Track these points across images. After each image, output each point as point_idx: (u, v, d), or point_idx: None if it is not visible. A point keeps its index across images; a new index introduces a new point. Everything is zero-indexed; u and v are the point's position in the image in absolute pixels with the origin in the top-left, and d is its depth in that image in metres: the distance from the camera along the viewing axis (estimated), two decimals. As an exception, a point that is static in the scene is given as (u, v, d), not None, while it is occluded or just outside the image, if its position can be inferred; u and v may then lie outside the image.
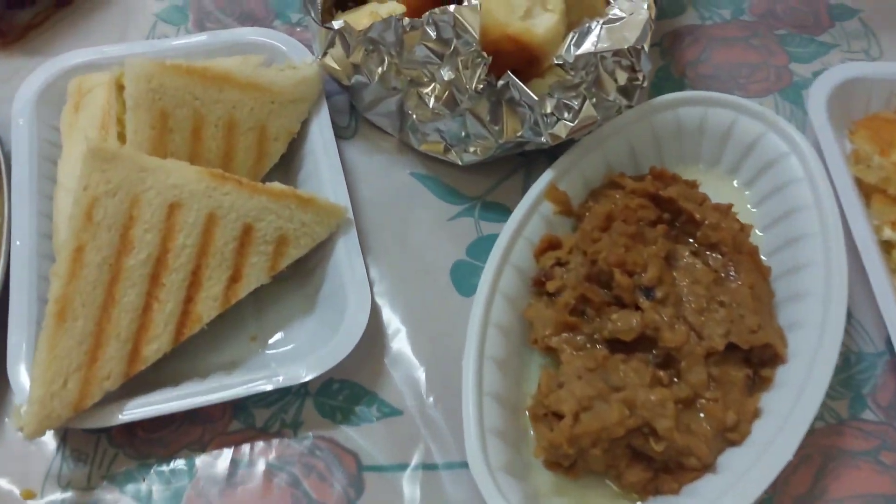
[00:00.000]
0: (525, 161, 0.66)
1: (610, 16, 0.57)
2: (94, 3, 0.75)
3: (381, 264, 0.61)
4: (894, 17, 0.76)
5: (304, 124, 0.64)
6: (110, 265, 0.51)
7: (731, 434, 0.51)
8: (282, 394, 0.55)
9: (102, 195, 0.52)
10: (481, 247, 0.62)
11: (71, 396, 0.49)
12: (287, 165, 0.64)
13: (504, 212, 0.64)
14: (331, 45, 0.63)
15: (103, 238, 0.51)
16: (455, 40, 0.57)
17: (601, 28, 0.57)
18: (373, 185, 0.65)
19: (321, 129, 0.63)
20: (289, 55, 0.67)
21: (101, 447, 0.53)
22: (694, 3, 0.77)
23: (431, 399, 0.55)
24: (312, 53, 0.67)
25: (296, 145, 0.64)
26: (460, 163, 0.63)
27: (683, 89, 0.71)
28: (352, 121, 0.69)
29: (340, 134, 0.67)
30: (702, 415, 0.51)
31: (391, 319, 0.59)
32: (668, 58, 0.73)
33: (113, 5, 0.75)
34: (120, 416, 0.50)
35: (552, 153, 0.63)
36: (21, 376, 0.51)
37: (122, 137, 0.58)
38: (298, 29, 0.74)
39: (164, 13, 0.75)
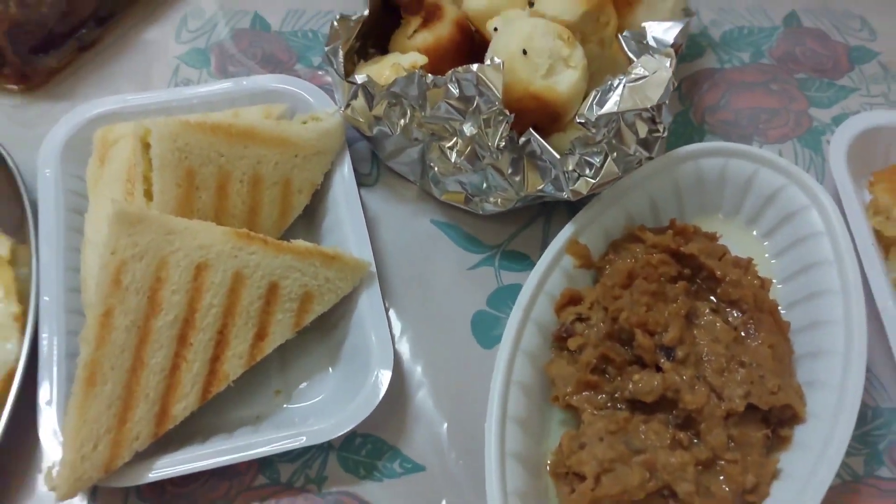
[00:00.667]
0: (545, 209, 0.67)
1: (633, 74, 0.58)
2: (116, 47, 0.76)
3: (403, 313, 0.62)
4: (914, 59, 0.76)
5: (327, 175, 0.65)
6: (138, 328, 0.52)
7: (750, 496, 0.52)
8: (306, 449, 0.56)
9: (130, 259, 0.53)
10: (502, 297, 0.63)
11: (101, 458, 0.50)
12: (311, 216, 0.65)
13: (524, 260, 0.64)
14: (353, 97, 0.63)
15: (131, 302, 0.52)
16: (478, 98, 0.58)
17: (624, 87, 0.57)
18: (394, 232, 0.66)
19: (344, 181, 0.64)
20: (311, 104, 0.68)
21: (129, 502, 0.54)
22: (713, 46, 0.77)
23: (453, 455, 0.56)
24: (334, 100, 0.68)
25: (319, 196, 0.65)
26: (480, 212, 0.64)
27: (703, 135, 0.71)
28: (373, 168, 0.69)
29: (362, 181, 0.68)
30: (721, 477, 0.52)
31: (413, 371, 0.60)
32: (686, 103, 0.73)
33: (135, 49, 0.76)
34: (149, 475, 0.51)
35: (570, 204, 0.63)
36: (51, 435, 0.52)
37: (148, 194, 0.58)
38: (320, 73, 0.74)
39: (186, 56, 0.76)
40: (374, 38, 0.70)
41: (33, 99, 0.73)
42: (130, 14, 0.78)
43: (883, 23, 0.78)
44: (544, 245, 0.64)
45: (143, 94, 0.68)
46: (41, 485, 0.55)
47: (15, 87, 0.73)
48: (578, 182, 0.59)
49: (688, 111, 0.73)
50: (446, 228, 0.66)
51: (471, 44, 0.68)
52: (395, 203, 0.68)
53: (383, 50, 0.70)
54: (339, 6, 0.78)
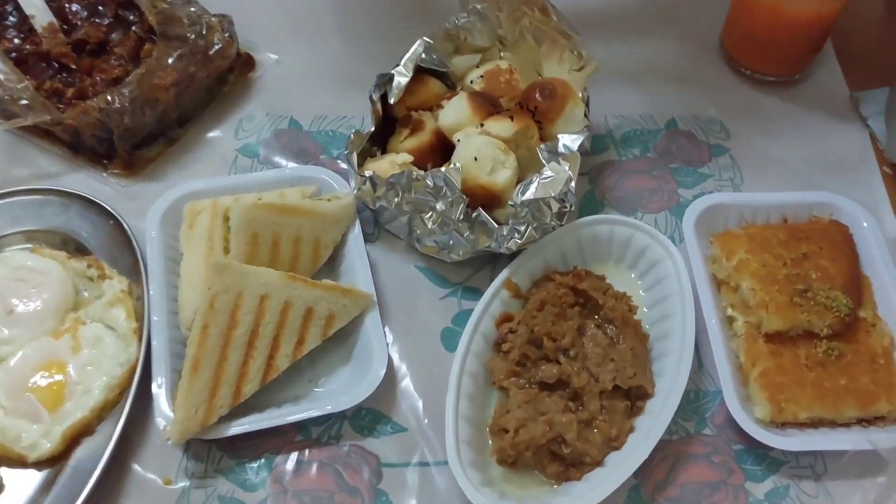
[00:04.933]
0: (492, 258, 0.95)
1: (545, 174, 0.88)
2: (192, 143, 1.03)
3: (395, 329, 0.90)
4: (755, 155, 1.05)
5: (344, 235, 0.93)
6: (223, 336, 0.81)
7: (614, 443, 0.80)
8: (329, 417, 0.84)
9: (220, 292, 0.81)
10: (461, 317, 0.91)
11: (199, 419, 0.78)
12: (332, 262, 0.92)
13: (477, 293, 0.92)
14: (363, 184, 0.93)
15: (220, 319, 0.81)
16: (445, 187, 0.88)
17: (538, 183, 0.88)
18: (389, 273, 0.93)
19: (355, 238, 0.93)
20: (333, 186, 0.97)
21: (212, 451, 0.82)
22: (614, 144, 1.07)
23: (426, 420, 0.84)
24: (349, 185, 0.98)
25: (338, 249, 0.93)
26: (448, 260, 0.93)
27: (604, 207, 1.01)
28: (375, 230, 0.98)
29: (367, 239, 0.95)
30: (595, 430, 0.80)
31: (400, 367, 0.88)
32: (593, 184, 1.03)
33: (205, 144, 1.03)
34: (227, 432, 0.78)
35: (510, 255, 0.93)
36: (163, 406, 0.79)
37: (226, 250, 0.86)
38: (338, 161, 1.03)
39: (242, 149, 1.04)
40: (376, 139, 1.00)
41: (135, 181, 0.99)
42: (202, 117, 1.05)
43: (735, 127, 1.08)
44: (491, 282, 0.94)
45: (218, 179, 0.98)
46: (155, 440, 0.82)
47: (122, 172, 1.00)
48: (510, 241, 0.89)
49: (594, 190, 1.02)
50: (425, 271, 0.95)
51: (443, 146, 0.98)
52: (389, 253, 0.96)
53: (382, 148, 1.01)
54: (351, 112, 1.06)
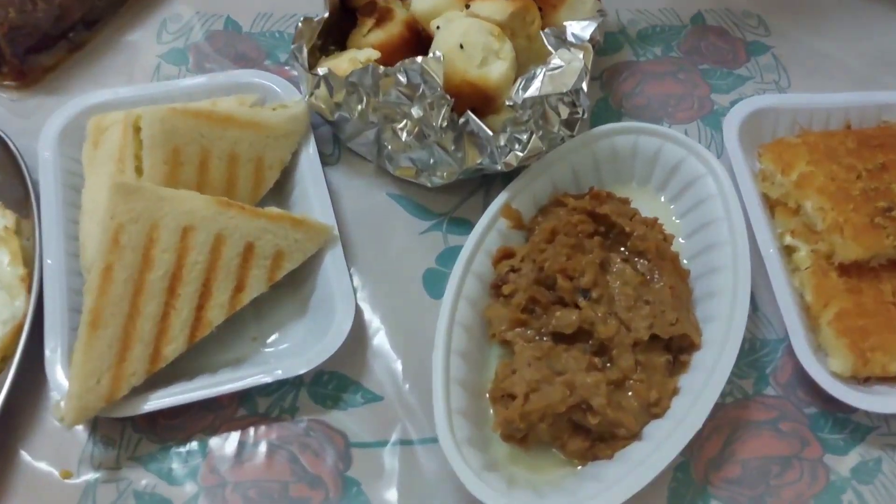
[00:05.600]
0: (484, 182, 0.77)
1: (551, 65, 0.68)
2: (103, 48, 0.84)
3: (363, 272, 0.71)
4: (802, 53, 0.88)
5: (295, 154, 0.74)
6: (134, 280, 0.61)
7: (654, 409, 0.62)
8: (280, 385, 0.65)
9: (126, 222, 0.61)
10: (448, 256, 0.72)
11: (103, 391, 0.59)
12: (280, 190, 0.74)
13: (467, 226, 0.74)
14: (316, 87, 0.73)
15: (128, 258, 0.61)
16: (423, 85, 0.68)
17: (544, 75, 0.68)
18: (354, 205, 0.75)
19: (309, 159, 0.73)
20: (280, 94, 0.77)
21: (126, 433, 0.63)
22: (630, 42, 0.88)
23: (407, 386, 0.66)
24: (300, 91, 0.77)
25: (287, 172, 0.74)
26: (429, 185, 0.74)
27: (620, 118, 0.82)
28: (335, 149, 0.79)
29: (325, 161, 0.77)
30: (630, 393, 0.62)
31: (372, 319, 0.69)
32: (606, 90, 0.84)
33: (120, 50, 0.84)
34: (144, 407, 0.60)
35: (508, 175, 0.73)
36: (58, 375, 0.60)
37: (138, 171, 0.67)
38: (286, 68, 0.84)
39: (166, 56, 0.84)
40: (334, 37, 0.80)
41: (29, 94, 0.81)
42: (115, 18, 0.86)
43: (776, 22, 0.90)
44: (485, 211, 0.75)
45: (131, 88, 0.77)
46: (48, 421, 0.63)
47: (13, 83, 0.80)
48: (509, 155, 0.69)
49: (608, 98, 0.84)
50: (400, 200, 0.76)
51: (418, 40, 0.78)
52: (354, 179, 0.77)
53: (342, 47, 0.80)
54: (303, 9, 0.87)
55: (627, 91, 0.84)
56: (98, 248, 0.61)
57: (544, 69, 0.68)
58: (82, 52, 0.84)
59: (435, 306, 0.69)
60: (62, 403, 0.59)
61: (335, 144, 0.79)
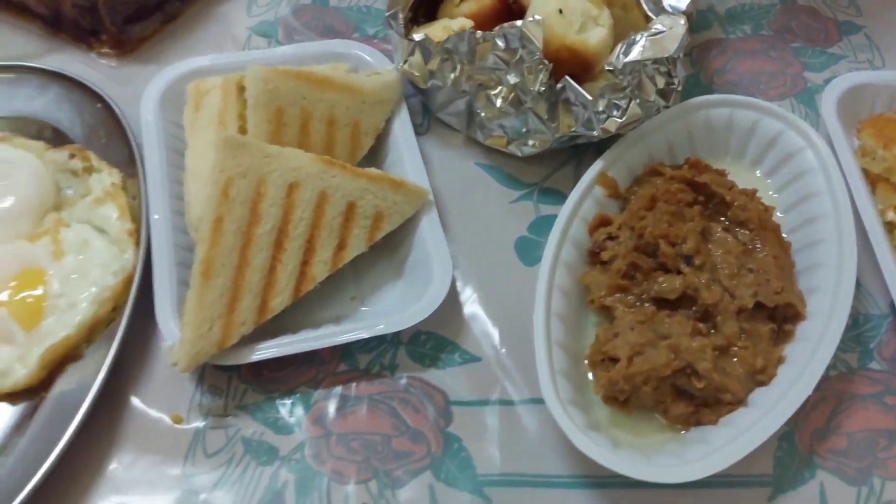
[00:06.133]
0: (575, 153, 0.77)
1: (653, 30, 0.68)
2: (196, 19, 0.86)
3: (455, 239, 0.71)
4: (895, 32, 0.86)
5: (388, 121, 0.74)
6: (243, 233, 0.62)
7: (760, 376, 0.61)
8: (379, 342, 0.65)
9: (235, 176, 0.62)
10: (540, 225, 0.72)
11: (215, 338, 0.60)
12: (374, 156, 0.74)
13: (558, 196, 0.74)
14: (411, 53, 0.73)
15: (237, 211, 0.62)
16: (521, 50, 0.68)
17: (646, 40, 0.67)
18: (444, 173, 0.75)
19: (402, 126, 0.74)
20: (371, 63, 0.78)
21: (232, 383, 0.63)
22: (719, 20, 0.87)
23: (504, 349, 0.65)
24: (390, 61, 0.78)
25: (381, 139, 0.74)
26: (520, 154, 0.74)
27: (711, 93, 0.81)
28: (424, 119, 0.79)
29: (415, 131, 0.76)
30: (735, 360, 0.61)
31: (466, 284, 0.69)
32: (697, 67, 0.84)
33: (212, 21, 0.86)
34: (251, 356, 0.61)
35: (598, 147, 0.73)
36: (169, 323, 0.62)
37: (242, 131, 0.68)
38: (375, 40, 0.84)
39: (256, 28, 0.86)
40: (423, 9, 0.81)
41: (126, 62, 0.83)
42: None
43: (866, 2, 0.89)
44: (576, 183, 0.74)
45: (227, 55, 0.79)
46: (158, 369, 0.64)
47: (111, 52, 0.83)
48: (608, 121, 0.69)
49: (698, 74, 0.83)
50: (489, 170, 0.76)
51: (508, 12, 0.78)
52: (443, 149, 0.77)
53: (430, 20, 0.81)
54: None
55: (718, 67, 0.83)
56: (208, 200, 0.62)
57: (645, 34, 0.68)
58: (175, 23, 0.86)
59: (528, 273, 0.69)
60: (175, 348, 0.60)
61: (424, 115, 0.79)
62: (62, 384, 0.62)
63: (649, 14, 0.71)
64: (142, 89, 0.76)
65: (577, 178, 0.74)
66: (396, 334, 0.65)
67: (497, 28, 0.68)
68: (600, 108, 0.69)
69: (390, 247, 0.69)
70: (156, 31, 0.85)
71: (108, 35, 0.82)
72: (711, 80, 0.83)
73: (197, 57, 0.77)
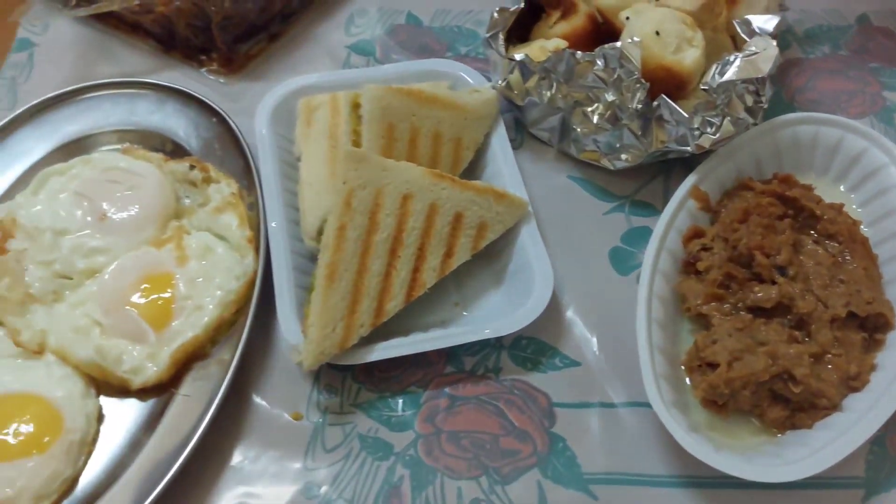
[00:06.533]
0: (663, 167, 0.80)
1: (746, 51, 0.71)
2: (297, 38, 0.91)
3: (550, 249, 0.73)
4: (972, 51, 0.88)
5: (487, 136, 0.78)
6: (363, 240, 0.66)
7: (853, 382, 0.63)
8: (482, 346, 0.69)
9: (357, 187, 0.67)
10: (633, 236, 0.76)
11: (337, 339, 0.64)
12: (473, 169, 0.78)
13: (649, 208, 0.77)
14: (510, 72, 0.77)
15: (358, 220, 0.66)
16: (619, 69, 0.72)
17: (740, 60, 0.71)
18: (538, 186, 0.78)
19: (500, 140, 0.78)
20: (469, 81, 0.82)
21: (346, 383, 0.68)
22: (797, 41, 0.90)
23: (603, 354, 0.69)
24: (486, 79, 0.82)
25: (480, 153, 0.78)
26: (612, 168, 0.77)
27: (793, 111, 0.84)
28: (518, 135, 0.83)
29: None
30: (829, 366, 0.64)
31: (563, 292, 0.72)
32: (778, 85, 0.86)
33: (313, 40, 0.91)
34: (370, 356, 0.65)
35: (684, 161, 0.77)
36: (290, 324, 0.66)
37: (356, 145, 0.73)
38: (467, 59, 0.89)
39: (354, 47, 0.90)
40: (516, 30, 0.85)
41: (235, 79, 0.88)
42: (307, 12, 0.93)
43: (942, 23, 0.91)
44: (665, 196, 0.78)
45: (333, 73, 0.84)
46: (277, 368, 0.68)
47: (221, 69, 0.88)
48: (702, 138, 0.72)
49: (780, 92, 0.86)
50: (581, 182, 0.80)
51: (598, 33, 0.82)
52: (536, 162, 0.81)
53: (520, 40, 0.85)
54: (478, 6, 0.93)
55: (799, 86, 0.86)
56: (331, 210, 0.67)
57: (740, 55, 0.71)
58: (279, 42, 0.91)
59: (623, 282, 0.73)
60: (300, 348, 0.64)
61: (518, 131, 0.83)
62: (189, 382, 0.67)
63: (743, 36, 0.74)
64: (250, 105, 0.82)
65: (665, 191, 0.77)
66: (499, 339, 0.69)
67: (598, 49, 0.72)
68: (696, 125, 0.72)
69: (490, 255, 0.73)
70: (261, 49, 0.90)
71: (218, 53, 0.88)
72: (793, 98, 0.85)
73: (305, 75, 0.82)
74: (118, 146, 0.80)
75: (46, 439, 0.63)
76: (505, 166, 0.76)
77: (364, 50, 0.90)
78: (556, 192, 0.79)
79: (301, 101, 0.79)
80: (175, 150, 0.80)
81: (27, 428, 0.63)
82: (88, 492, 0.63)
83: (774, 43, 0.72)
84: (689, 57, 0.73)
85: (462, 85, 0.82)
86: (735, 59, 0.71)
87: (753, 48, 0.72)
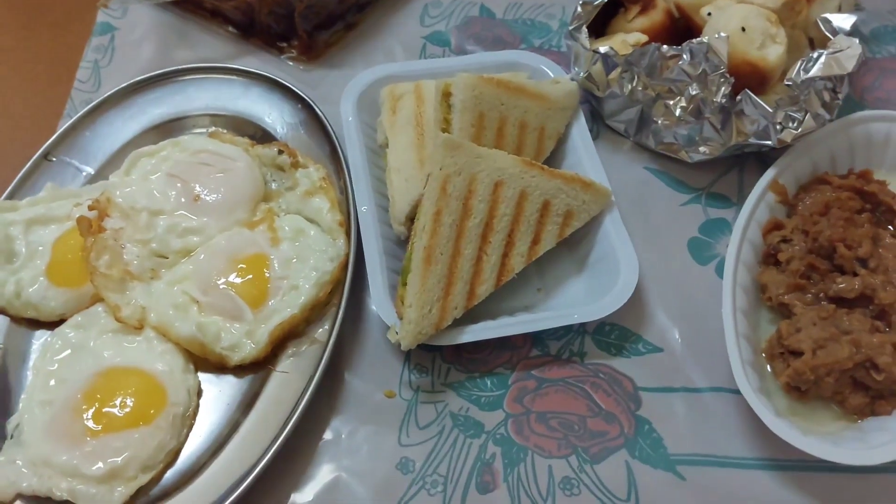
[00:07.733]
0: (738, 160, 0.82)
1: (831, 49, 0.73)
2: (374, 28, 0.93)
3: (631, 237, 0.76)
4: None
5: (567, 127, 0.80)
6: (457, 225, 0.68)
7: (934, 372, 0.66)
8: (566, 331, 0.71)
9: (452, 174, 0.69)
10: (711, 227, 0.77)
11: (434, 319, 0.66)
12: (553, 158, 0.80)
13: (725, 200, 0.79)
14: (593, 64, 0.79)
15: (453, 205, 0.68)
16: (704, 63, 0.73)
17: (825, 57, 0.72)
18: (615, 177, 0.79)
19: (580, 131, 0.80)
20: (546, 72, 0.84)
21: (436, 363, 0.70)
22: (864, 40, 0.91)
23: (685, 341, 0.71)
24: (564, 71, 0.84)
25: (560, 143, 0.80)
26: (689, 160, 0.79)
27: (862, 109, 0.85)
28: (594, 126, 0.85)
29: None
30: (911, 356, 0.66)
31: (644, 280, 0.74)
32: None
33: (388, 30, 0.93)
34: (464, 337, 0.67)
35: (758, 155, 0.78)
36: (384, 306, 0.68)
37: (444, 132, 0.75)
38: (542, 51, 0.90)
39: (430, 37, 0.92)
40: (594, 23, 0.86)
41: (313, 66, 0.90)
42: (382, 2, 0.94)
43: None
44: (740, 188, 0.80)
45: (414, 62, 0.86)
46: (368, 348, 0.70)
47: (300, 56, 0.90)
48: (783, 132, 0.74)
49: (849, 90, 0.87)
50: (658, 174, 0.81)
51: (675, 28, 0.84)
52: (613, 153, 0.83)
53: (596, 34, 0.86)
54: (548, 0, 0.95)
55: (867, 85, 0.88)
56: (426, 195, 0.69)
57: (825, 53, 0.73)
58: (355, 31, 0.93)
59: (702, 272, 0.75)
60: (397, 328, 0.66)
61: (594, 123, 0.85)
62: (285, 360, 0.69)
63: (826, 34, 0.76)
64: (329, 92, 0.84)
65: (740, 184, 0.79)
66: (583, 324, 0.71)
67: (685, 44, 0.73)
68: (778, 120, 0.74)
69: (572, 243, 0.75)
70: (339, 38, 0.92)
71: (298, 41, 0.89)
72: (861, 96, 0.87)
73: (384, 64, 0.84)
74: (204, 130, 0.83)
75: (152, 411, 0.65)
76: (585, 156, 0.78)
77: (440, 40, 0.92)
78: (633, 182, 0.81)
79: (385, 90, 0.81)
80: (263, 135, 0.82)
81: (132, 401, 0.66)
82: (189, 464, 0.65)
83: (857, 41, 0.74)
84: (774, 53, 0.75)
85: (541, 76, 0.84)
86: (820, 55, 0.73)
87: (838, 45, 0.73)
